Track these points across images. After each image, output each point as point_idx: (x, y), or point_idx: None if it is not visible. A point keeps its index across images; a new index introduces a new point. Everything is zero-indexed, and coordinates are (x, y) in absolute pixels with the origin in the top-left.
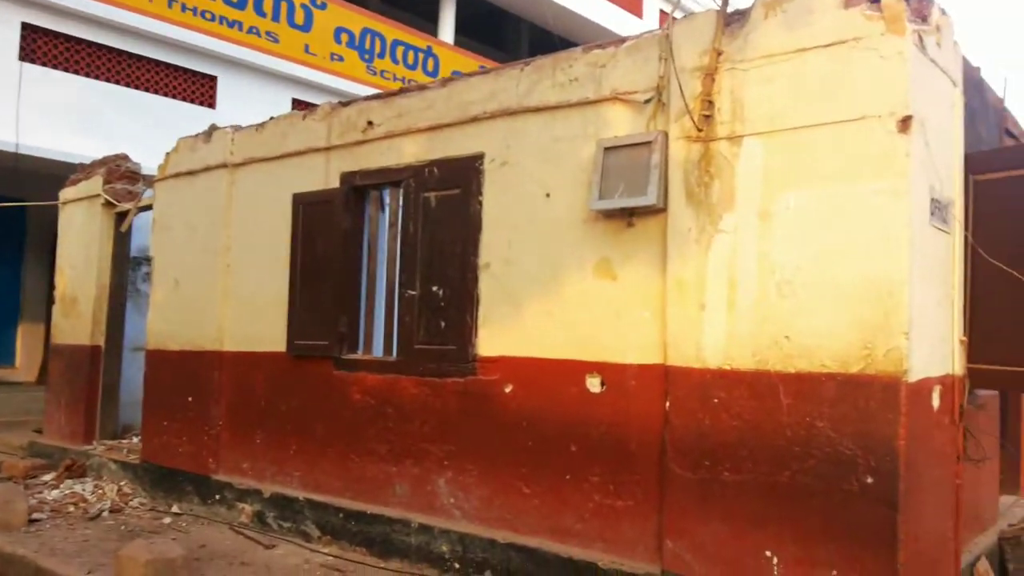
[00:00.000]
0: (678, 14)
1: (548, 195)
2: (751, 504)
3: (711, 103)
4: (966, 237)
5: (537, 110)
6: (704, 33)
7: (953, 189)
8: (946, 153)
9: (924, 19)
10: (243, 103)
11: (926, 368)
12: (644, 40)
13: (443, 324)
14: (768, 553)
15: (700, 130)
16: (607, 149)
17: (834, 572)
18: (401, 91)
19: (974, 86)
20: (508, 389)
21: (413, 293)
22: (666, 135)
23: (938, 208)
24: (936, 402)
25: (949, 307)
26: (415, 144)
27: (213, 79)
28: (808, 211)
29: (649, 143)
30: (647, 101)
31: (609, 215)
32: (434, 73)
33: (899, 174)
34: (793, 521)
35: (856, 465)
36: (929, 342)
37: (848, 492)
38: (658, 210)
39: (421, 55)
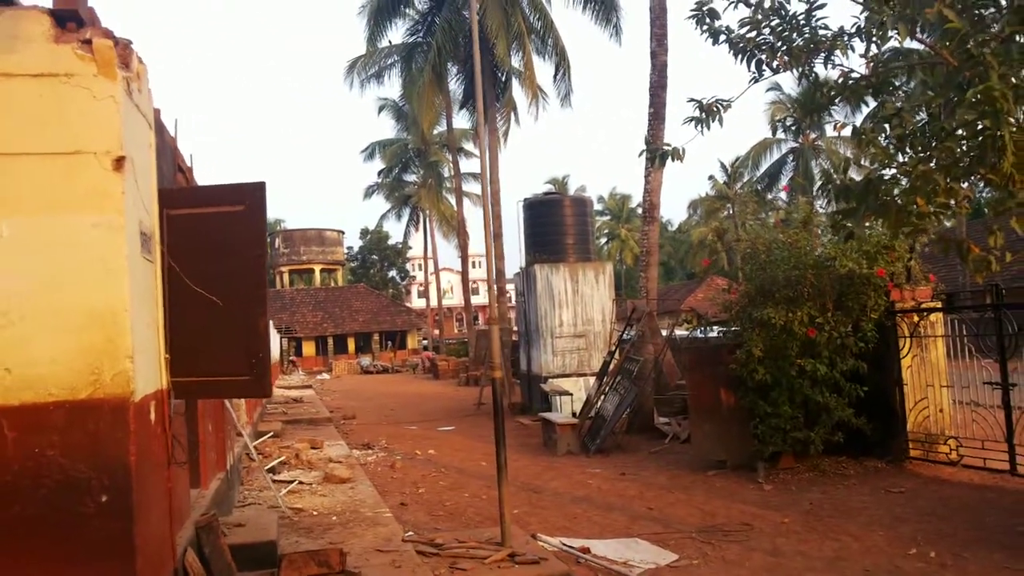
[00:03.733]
0: None
1: None
2: None
3: None
4: (165, 265)
5: None
6: None
7: (153, 222)
8: (148, 190)
9: (127, 66)
10: None
11: (145, 386)
12: None
13: None
14: None
15: None
16: None
17: None
18: None
19: (156, 127)
20: None
21: None
22: None
23: (146, 240)
24: (153, 416)
25: (156, 329)
26: None
27: None
28: (27, 240)
29: None
30: None
31: None
32: None
33: (116, 210)
34: (28, 554)
35: (91, 487)
36: (146, 362)
37: (84, 514)
38: None
39: None
